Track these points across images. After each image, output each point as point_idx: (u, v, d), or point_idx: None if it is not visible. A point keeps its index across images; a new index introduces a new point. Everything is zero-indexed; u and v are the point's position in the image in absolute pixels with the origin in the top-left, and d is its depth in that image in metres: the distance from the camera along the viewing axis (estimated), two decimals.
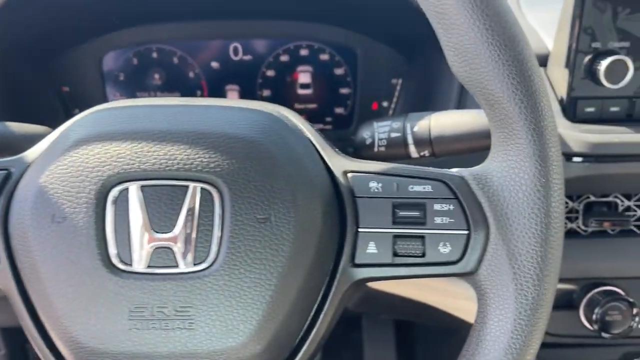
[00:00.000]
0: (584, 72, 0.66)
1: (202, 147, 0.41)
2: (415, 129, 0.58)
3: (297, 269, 0.41)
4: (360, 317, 1.21)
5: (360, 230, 0.43)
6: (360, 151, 0.62)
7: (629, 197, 0.72)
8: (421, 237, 0.42)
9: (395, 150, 0.59)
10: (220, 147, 0.41)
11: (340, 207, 0.43)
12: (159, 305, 0.40)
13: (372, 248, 0.43)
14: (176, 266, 0.40)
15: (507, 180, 0.41)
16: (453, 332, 0.89)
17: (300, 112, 0.85)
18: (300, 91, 0.87)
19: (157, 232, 0.40)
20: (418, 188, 0.43)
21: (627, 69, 0.64)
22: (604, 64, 0.64)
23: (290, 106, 0.86)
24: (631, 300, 0.69)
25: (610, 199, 0.72)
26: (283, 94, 0.87)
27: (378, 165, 0.44)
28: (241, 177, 0.40)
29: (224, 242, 0.40)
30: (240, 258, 0.40)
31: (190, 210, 0.40)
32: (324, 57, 0.86)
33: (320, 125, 0.89)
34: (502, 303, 0.41)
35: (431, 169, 0.44)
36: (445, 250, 0.42)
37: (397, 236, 0.43)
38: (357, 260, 0.43)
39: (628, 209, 0.73)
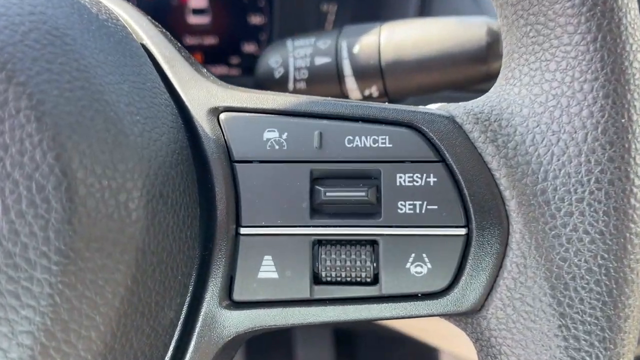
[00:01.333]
0: None
1: None
2: (356, 50, 0.43)
3: (86, 328, 0.22)
4: None
5: (243, 231, 0.27)
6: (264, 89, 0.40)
7: None
8: (371, 244, 0.27)
9: (322, 87, 0.43)
10: None
11: (202, 184, 0.27)
12: None
13: (268, 268, 0.26)
14: None
15: (543, 123, 0.25)
16: (401, 340, 0.84)
17: (192, 49, 0.69)
18: (193, 19, 0.71)
19: None
20: (363, 141, 0.26)
21: None
22: None
23: (178, 40, 0.66)
24: None
25: None
26: (167, 23, 0.70)
27: (281, 97, 0.28)
28: None
29: None
30: None
31: None
32: None
33: (225, 69, 0.73)
34: None
35: (389, 105, 0.28)
36: (419, 269, 0.26)
37: (321, 242, 0.27)
38: (238, 295, 0.27)
39: None
